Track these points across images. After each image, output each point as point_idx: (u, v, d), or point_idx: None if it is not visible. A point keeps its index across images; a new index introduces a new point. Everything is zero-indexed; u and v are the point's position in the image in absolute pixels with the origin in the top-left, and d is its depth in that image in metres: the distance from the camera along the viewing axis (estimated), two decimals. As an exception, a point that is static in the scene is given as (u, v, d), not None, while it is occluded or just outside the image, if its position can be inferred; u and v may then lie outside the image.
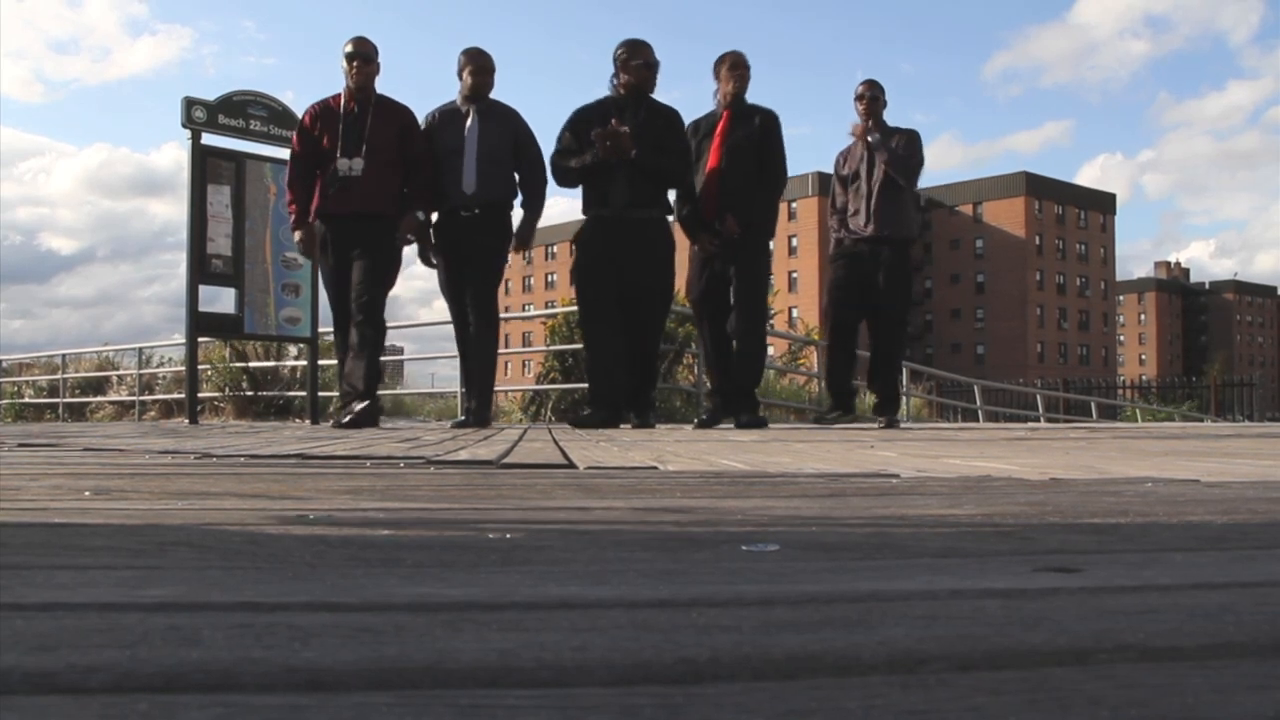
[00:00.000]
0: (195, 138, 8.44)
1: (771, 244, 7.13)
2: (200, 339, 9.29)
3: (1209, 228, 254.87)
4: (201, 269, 8.46)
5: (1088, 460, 2.56)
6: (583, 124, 6.32)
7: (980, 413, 18.11)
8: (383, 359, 7.21)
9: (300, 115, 6.67)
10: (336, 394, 6.75)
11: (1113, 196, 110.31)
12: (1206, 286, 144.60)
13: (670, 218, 6.53)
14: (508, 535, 1.06)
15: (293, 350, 12.43)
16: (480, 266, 6.47)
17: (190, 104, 8.40)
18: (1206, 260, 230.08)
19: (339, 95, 6.43)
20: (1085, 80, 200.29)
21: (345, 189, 6.22)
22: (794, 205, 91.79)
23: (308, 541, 1.01)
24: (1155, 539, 1.05)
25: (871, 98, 7.19)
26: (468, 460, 2.46)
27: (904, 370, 15.13)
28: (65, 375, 16.44)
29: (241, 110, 8.70)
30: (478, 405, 6.38)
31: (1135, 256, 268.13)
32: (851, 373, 7.42)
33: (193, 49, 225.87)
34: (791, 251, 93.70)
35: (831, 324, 7.31)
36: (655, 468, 2.21)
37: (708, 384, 6.90)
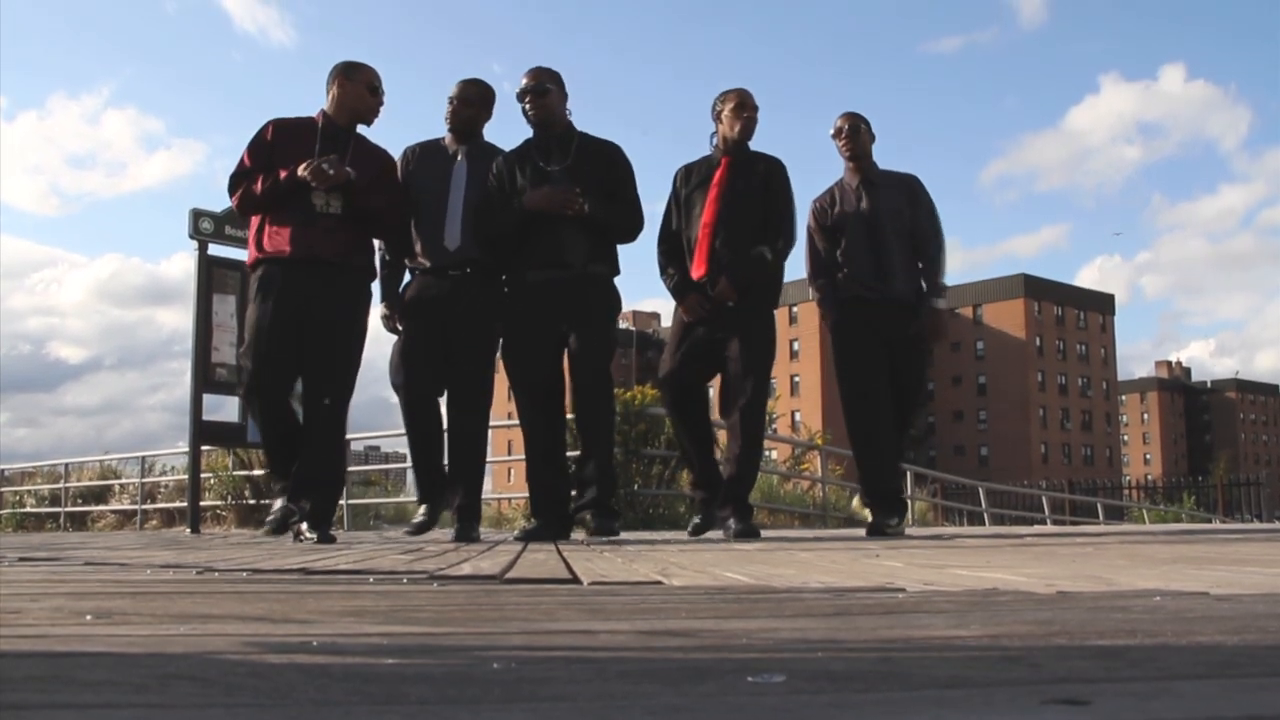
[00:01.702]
0: (202, 248, 8.57)
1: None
2: (203, 447, 9.30)
3: (1208, 328, 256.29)
4: (205, 377, 8.53)
5: (1094, 569, 2.54)
6: (507, 173, 5.28)
7: (985, 515, 18.01)
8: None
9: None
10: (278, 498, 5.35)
11: (1111, 297, 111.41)
12: (1208, 385, 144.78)
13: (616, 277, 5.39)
14: (512, 664, 1.05)
15: (295, 458, 12.39)
16: (469, 342, 5.30)
17: (198, 215, 8.55)
18: (1207, 359, 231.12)
19: (312, 118, 5.20)
20: (1079, 185, 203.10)
21: (316, 228, 4.96)
22: (794, 310, 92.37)
23: (311, 673, 1.00)
24: (1164, 664, 1.04)
25: (852, 129, 5.91)
26: (471, 575, 2.45)
27: (907, 473, 15.09)
28: (67, 484, 16.40)
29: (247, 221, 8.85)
30: (465, 518, 5.23)
31: (1136, 356, 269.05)
32: (899, 458, 6.06)
33: (205, 163, 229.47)
34: (794, 356, 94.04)
35: (861, 398, 5.87)
36: (660, 582, 2.19)
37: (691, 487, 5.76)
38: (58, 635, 1.36)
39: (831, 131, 5.99)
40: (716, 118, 5.60)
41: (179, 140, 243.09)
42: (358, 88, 5.17)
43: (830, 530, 10.20)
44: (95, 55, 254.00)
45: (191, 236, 8.50)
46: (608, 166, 5.29)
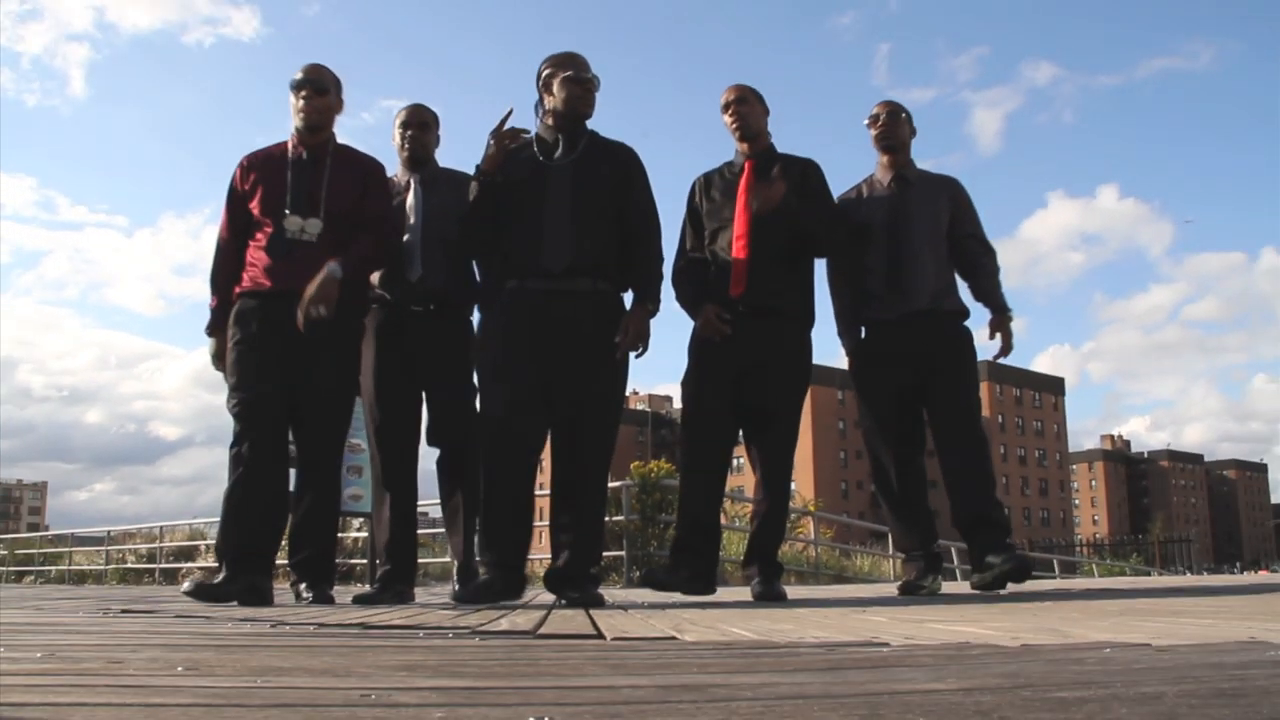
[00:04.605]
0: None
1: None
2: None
3: (1144, 406, 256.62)
4: (280, 453, 8.49)
5: (1053, 622, 2.50)
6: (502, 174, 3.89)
7: (957, 572, 17.76)
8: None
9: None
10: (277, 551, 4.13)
11: (1062, 380, 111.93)
12: (1145, 456, 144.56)
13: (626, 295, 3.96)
14: (545, 718, 1.04)
15: (355, 523, 12.41)
16: (449, 385, 4.30)
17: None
18: (1144, 433, 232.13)
19: (284, 143, 4.14)
20: (1033, 285, 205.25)
21: (293, 257, 3.90)
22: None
23: (371, 725, 0.99)
24: (1115, 716, 1.02)
25: (890, 115, 4.58)
26: (508, 630, 2.42)
27: (894, 528, 14.88)
28: (162, 544, 16.40)
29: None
30: (466, 575, 4.28)
31: (1084, 431, 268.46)
32: (928, 515, 4.61)
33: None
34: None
35: (883, 463, 4.55)
36: (674, 638, 2.16)
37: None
38: (154, 686, 1.35)
39: (866, 120, 4.65)
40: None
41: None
42: (298, 98, 4.08)
43: (822, 586, 10.09)
44: (199, 180, 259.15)
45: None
46: (623, 169, 3.96)
